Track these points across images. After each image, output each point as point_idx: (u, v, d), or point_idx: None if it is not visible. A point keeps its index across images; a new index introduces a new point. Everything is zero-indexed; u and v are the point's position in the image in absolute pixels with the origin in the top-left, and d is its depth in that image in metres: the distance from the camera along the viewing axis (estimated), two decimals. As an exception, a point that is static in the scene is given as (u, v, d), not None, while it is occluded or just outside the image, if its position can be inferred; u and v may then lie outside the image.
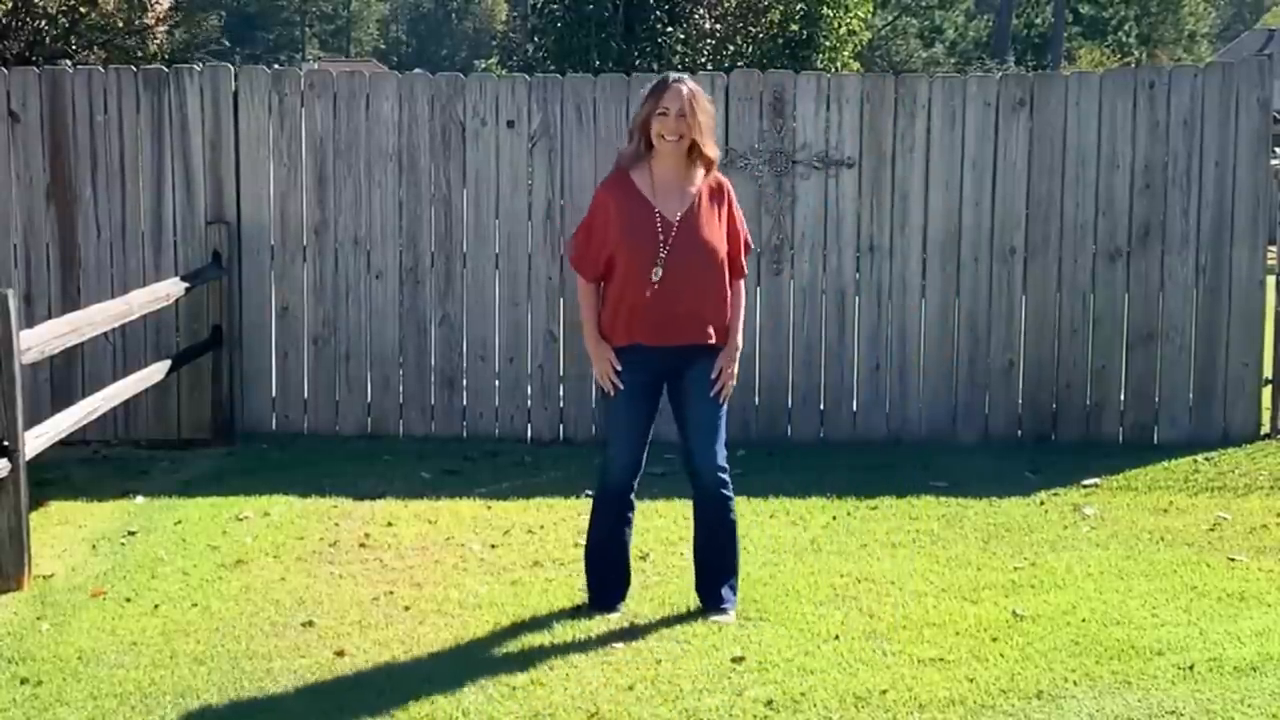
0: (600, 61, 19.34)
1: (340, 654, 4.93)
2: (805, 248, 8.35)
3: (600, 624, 5.23)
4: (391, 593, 5.61)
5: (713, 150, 5.12)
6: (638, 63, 19.32)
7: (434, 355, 8.51)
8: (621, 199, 5.09)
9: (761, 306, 8.34)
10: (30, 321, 7.44)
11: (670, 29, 20.72)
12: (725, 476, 5.21)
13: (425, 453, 8.12)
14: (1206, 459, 7.92)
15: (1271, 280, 8.63)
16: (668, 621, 5.24)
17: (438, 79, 8.51)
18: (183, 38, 20.93)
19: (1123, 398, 8.39)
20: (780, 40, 21.70)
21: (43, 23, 16.83)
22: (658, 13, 20.60)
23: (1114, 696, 4.53)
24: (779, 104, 8.31)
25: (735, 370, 5.21)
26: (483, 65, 41.09)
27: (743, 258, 5.26)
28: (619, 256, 5.07)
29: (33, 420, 6.17)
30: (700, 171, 5.12)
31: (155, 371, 7.65)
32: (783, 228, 8.36)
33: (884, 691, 4.56)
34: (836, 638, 5.06)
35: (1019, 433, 8.42)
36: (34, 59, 15.51)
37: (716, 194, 5.16)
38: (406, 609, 5.41)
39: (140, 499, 7.14)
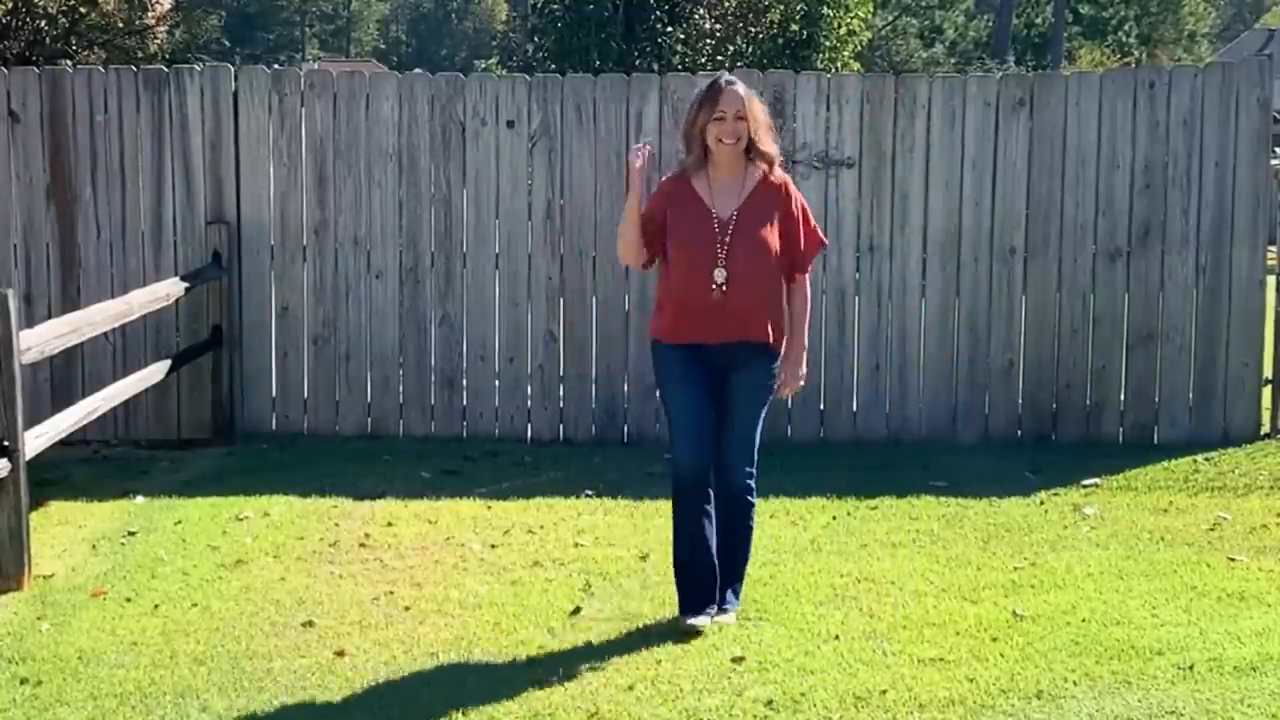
0: (600, 61, 19.34)
1: (340, 654, 4.93)
2: (805, 248, 8.35)
3: (600, 624, 5.23)
4: (391, 593, 5.61)
5: (770, 147, 5.07)
6: (638, 63, 19.32)
7: (434, 355, 8.51)
8: (680, 196, 5.08)
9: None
10: (30, 321, 7.44)
11: (670, 29, 20.72)
12: (752, 483, 5.18)
13: (425, 453, 8.12)
14: (1206, 459, 7.92)
15: (1271, 280, 8.63)
16: (668, 621, 5.24)
17: (438, 79, 8.51)
18: (183, 38, 20.92)
19: (1123, 398, 8.39)
20: (780, 40, 21.70)
21: (43, 23, 16.83)
22: (658, 13, 20.60)
23: (1114, 696, 4.53)
24: (779, 104, 8.31)
25: (804, 371, 5.20)
26: (483, 65, 41.09)
27: (804, 255, 5.17)
28: (675, 255, 5.05)
29: (33, 420, 6.17)
30: (759, 171, 5.08)
31: (155, 371, 7.65)
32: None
33: (884, 691, 4.56)
34: (836, 638, 5.06)
35: (1019, 433, 8.42)
36: (34, 59, 15.51)
37: (774, 191, 5.10)
38: (406, 609, 5.42)
39: (140, 499, 7.14)
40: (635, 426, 8.45)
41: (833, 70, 20.54)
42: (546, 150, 8.42)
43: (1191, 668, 4.75)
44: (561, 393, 8.50)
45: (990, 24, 46.21)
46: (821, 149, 8.34)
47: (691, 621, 5.05)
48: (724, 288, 4.97)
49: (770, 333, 5.06)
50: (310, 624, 5.24)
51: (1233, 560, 6.04)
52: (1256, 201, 8.28)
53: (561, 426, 8.50)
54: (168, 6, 20.46)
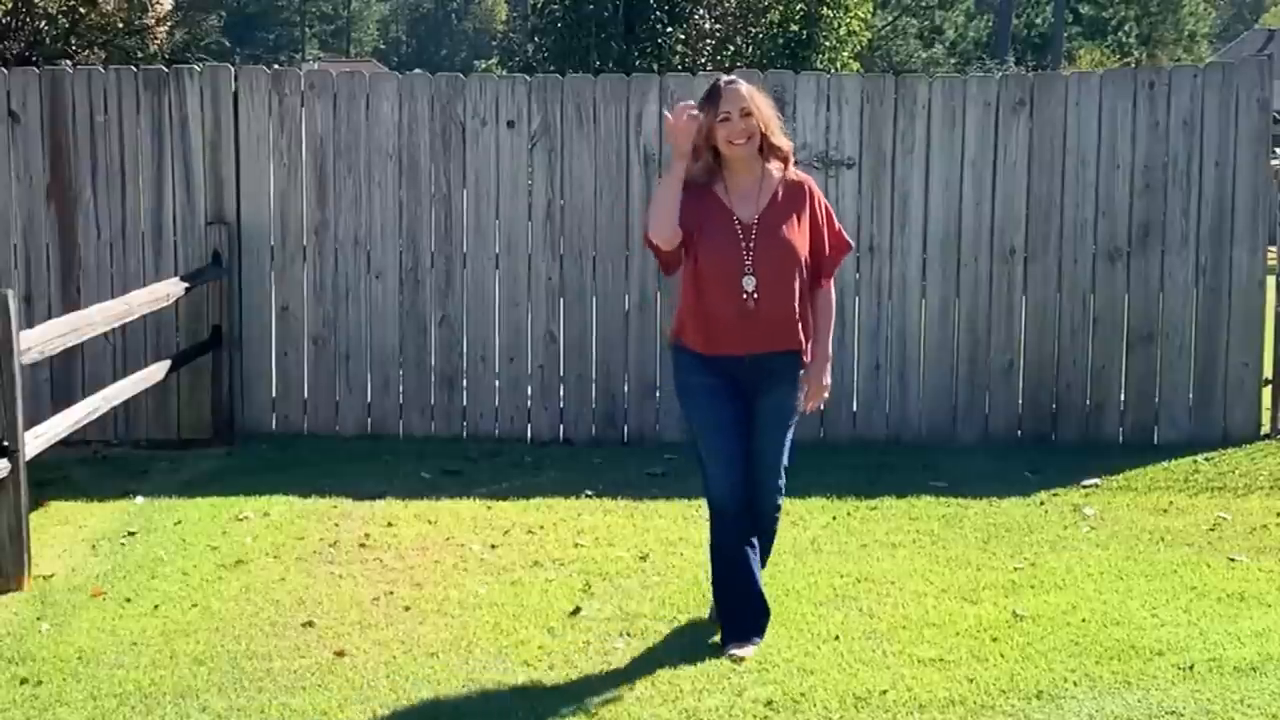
0: (600, 61, 19.34)
1: (340, 654, 4.93)
2: (805, 248, 8.34)
3: (600, 624, 5.23)
4: (391, 593, 5.61)
5: (783, 141, 4.86)
6: (638, 63, 19.32)
7: (434, 355, 8.51)
8: (701, 207, 4.80)
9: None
10: (30, 321, 7.44)
11: (670, 29, 20.72)
12: (780, 500, 5.05)
13: (425, 453, 8.12)
14: (1206, 459, 7.92)
15: (1271, 280, 8.62)
16: (668, 621, 5.25)
17: (438, 79, 8.51)
18: (183, 38, 20.94)
19: (1123, 398, 8.39)
20: (780, 40, 21.70)
21: (43, 23, 16.85)
22: (658, 13, 20.60)
23: (1114, 696, 4.53)
24: (779, 104, 8.26)
25: (829, 381, 5.01)
26: (483, 65, 41.08)
27: (828, 258, 4.96)
28: (701, 265, 4.79)
29: (33, 420, 6.17)
30: (775, 169, 4.87)
31: (155, 372, 7.65)
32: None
33: (884, 691, 4.56)
34: (836, 638, 5.06)
35: (1019, 433, 8.42)
36: (34, 59, 15.52)
37: (796, 192, 4.88)
38: (406, 609, 5.42)
39: (140, 499, 7.14)
40: (635, 427, 8.45)
41: (833, 70, 20.54)
42: (546, 150, 8.42)
43: (1191, 668, 4.75)
44: (561, 393, 8.50)
45: (990, 24, 46.19)
46: (821, 149, 8.33)
47: (736, 651, 4.84)
48: (754, 296, 4.74)
49: (802, 340, 4.86)
50: (310, 624, 5.24)
51: (1233, 560, 6.04)
52: (1256, 202, 8.28)
53: (561, 426, 8.50)
54: (168, 6, 20.47)
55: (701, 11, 21.25)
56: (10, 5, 16.29)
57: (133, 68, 8.63)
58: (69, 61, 13.83)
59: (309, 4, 74.58)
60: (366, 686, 4.65)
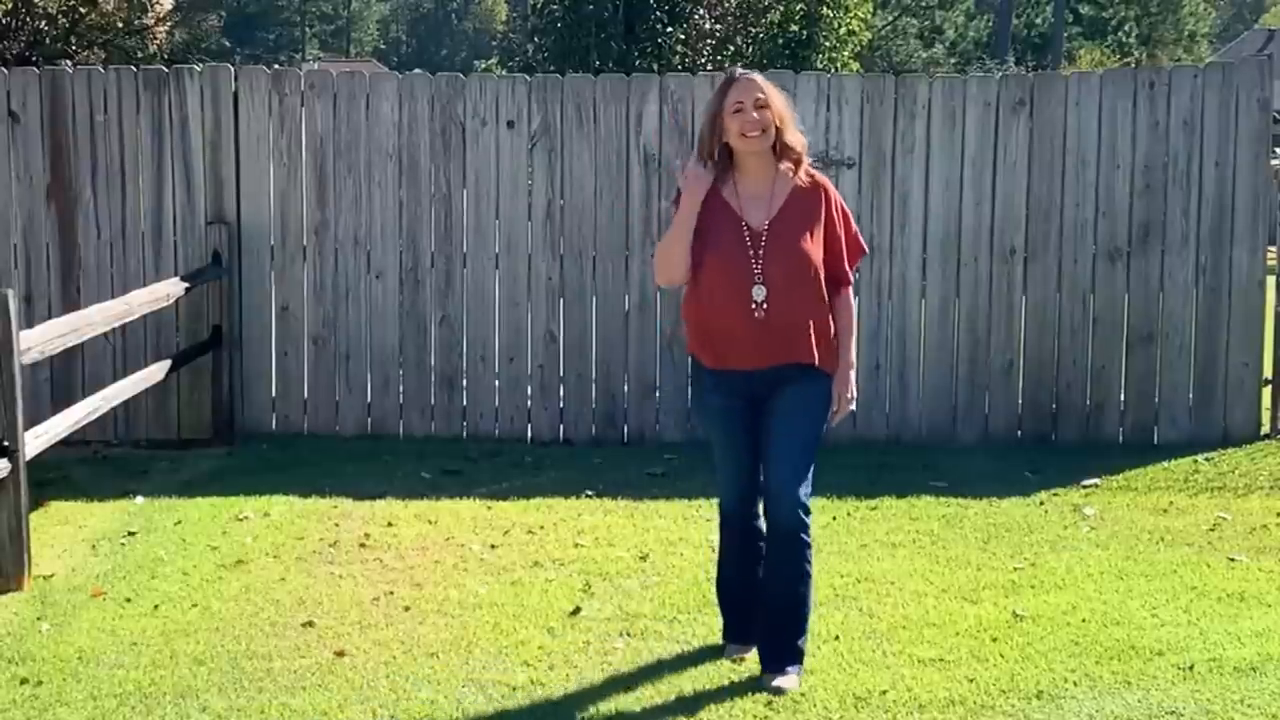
0: (600, 61, 19.34)
1: (340, 654, 4.93)
2: (805, 248, 8.34)
3: (600, 624, 5.23)
4: (391, 593, 5.61)
5: (796, 139, 4.57)
6: (638, 63, 19.32)
7: (434, 355, 8.51)
8: (706, 209, 4.57)
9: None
10: (30, 321, 7.44)
11: (670, 29, 20.72)
12: (806, 518, 4.59)
13: (425, 453, 8.12)
14: (1206, 459, 7.92)
15: (1271, 280, 8.63)
16: (668, 621, 5.25)
17: (438, 79, 8.51)
18: (183, 38, 20.95)
19: (1123, 398, 8.39)
20: (780, 40, 21.70)
21: (43, 23, 16.85)
22: (658, 13, 20.60)
23: (1114, 696, 4.53)
24: (779, 104, 8.29)
25: (854, 392, 4.70)
26: (483, 65, 41.08)
27: (847, 263, 4.68)
28: (707, 274, 4.55)
29: (33, 420, 6.17)
30: (788, 170, 4.59)
31: (155, 372, 7.65)
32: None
33: (884, 691, 4.56)
34: (836, 638, 5.06)
35: (1019, 433, 8.42)
36: (34, 59, 15.52)
37: (810, 194, 4.59)
38: (406, 609, 5.41)
39: (140, 499, 7.14)
40: (635, 427, 8.45)
41: (833, 70, 20.54)
42: (546, 150, 8.42)
43: (1191, 668, 4.75)
44: (561, 393, 8.50)
45: (990, 24, 46.18)
46: (821, 149, 8.32)
47: (733, 650, 4.80)
48: (764, 306, 4.48)
49: (817, 352, 4.57)
50: (310, 624, 5.24)
51: (1233, 560, 6.04)
52: (1256, 202, 8.28)
53: (561, 426, 8.50)
54: (168, 6, 20.48)
55: (701, 11, 21.25)
56: (10, 5, 16.29)
57: (133, 68, 8.63)
58: (69, 61, 13.84)
59: (309, 4, 74.57)
60: (366, 686, 4.65)
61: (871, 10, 25.48)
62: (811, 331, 4.56)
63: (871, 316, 8.40)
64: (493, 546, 6.29)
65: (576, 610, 5.38)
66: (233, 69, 8.59)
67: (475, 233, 8.47)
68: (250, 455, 8.11)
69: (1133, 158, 8.29)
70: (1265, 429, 8.33)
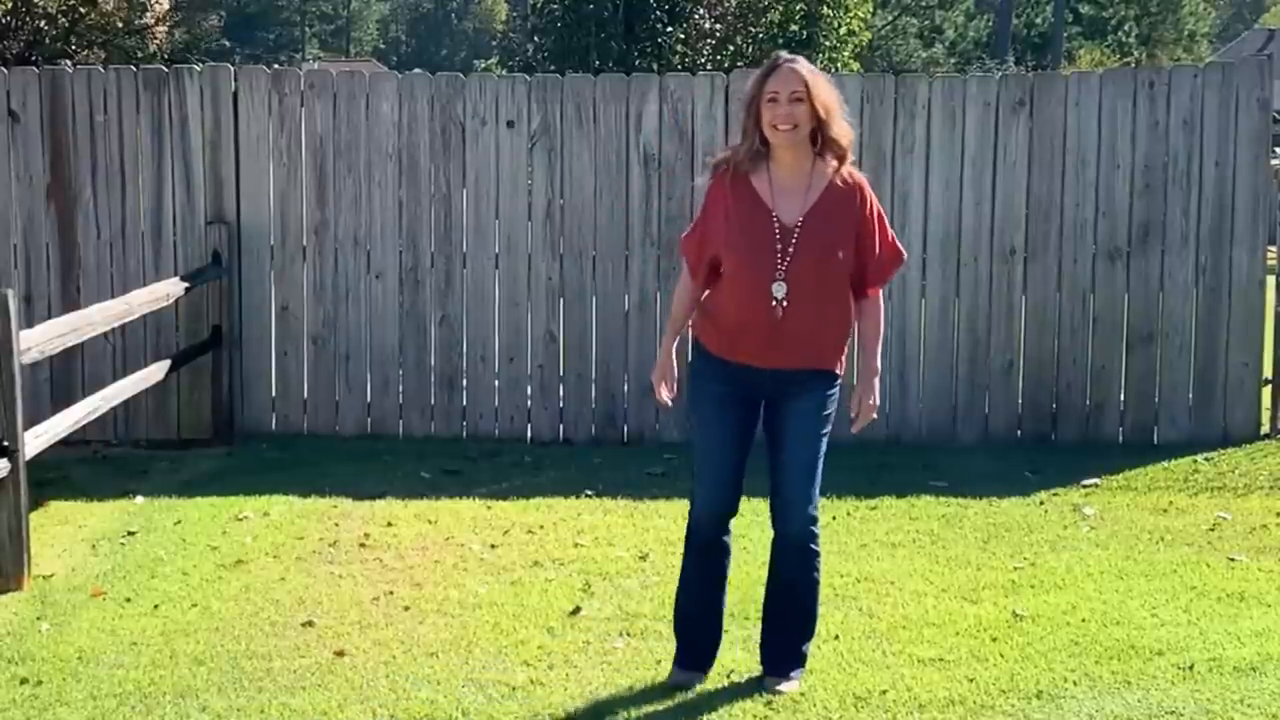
0: (600, 61, 19.33)
1: (340, 654, 4.93)
2: (805, 248, 8.33)
3: (600, 624, 5.23)
4: (391, 593, 5.61)
5: (842, 132, 4.37)
6: (638, 63, 19.31)
7: (434, 355, 8.51)
8: (736, 200, 4.41)
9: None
10: (30, 321, 7.44)
11: (670, 29, 20.71)
12: (816, 528, 4.53)
13: (425, 453, 8.12)
14: (1206, 459, 7.92)
15: (1271, 280, 8.63)
16: (667, 621, 5.23)
17: (438, 79, 8.51)
18: (183, 38, 20.94)
19: (1123, 398, 8.39)
20: (780, 40, 21.67)
21: (43, 23, 16.85)
22: (658, 13, 20.59)
23: (1114, 696, 4.53)
24: (779, 104, 8.29)
25: (876, 400, 4.56)
26: (483, 65, 41.06)
27: (877, 267, 4.51)
28: (730, 266, 4.42)
29: (33, 420, 6.17)
30: (830, 166, 4.41)
31: (155, 371, 7.65)
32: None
33: (884, 691, 4.56)
34: (836, 638, 5.06)
35: (1019, 433, 8.42)
36: (34, 59, 15.52)
37: (846, 194, 4.41)
38: (406, 609, 5.41)
39: (140, 499, 7.14)
40: (635, 427, 8.45)
41: (833, 70, 20.54)
42: (546, 150, 8.42)
43: (1191, 668, 4.75)
44: (561, 393, 8.50)
45: (990, 24, 46.17)
46: (821, 149, 8.32)
47: (681, 677, 4.61)
48: (784, 304, 4.32)
49: (834, 359, 4.44)
50: (310, 624, 5.24)
51: (1233, 560, 6.04)
52: (1256, 202, 8.28)
53: (561, 426, 8.50)
54: (168, 6, 20.48)
55: (701, 11, 21.24)
56: (10, 5, 16.29)
57: (133, 68, 8.63)
58: (69, 61, 13.84)
59: (309, 4, 74.57)
60: (366, 686, 4.65)
61: (871, 10, 25.49)
62: (831, 336, 4.44)
63: (871, 316, 8.39)
64: (493, 546, 6.29)
65: (576, 610, 5.38)
66: (233, 69, 8.59)
67: (475, 233, 8.47)
68: (250, 455, 8.11)
69: (1133, 157, 8.29)
70: (1265, 429, 8.33)
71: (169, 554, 6.15)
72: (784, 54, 4.49)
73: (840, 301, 4.45)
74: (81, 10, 17.08)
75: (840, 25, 22.29)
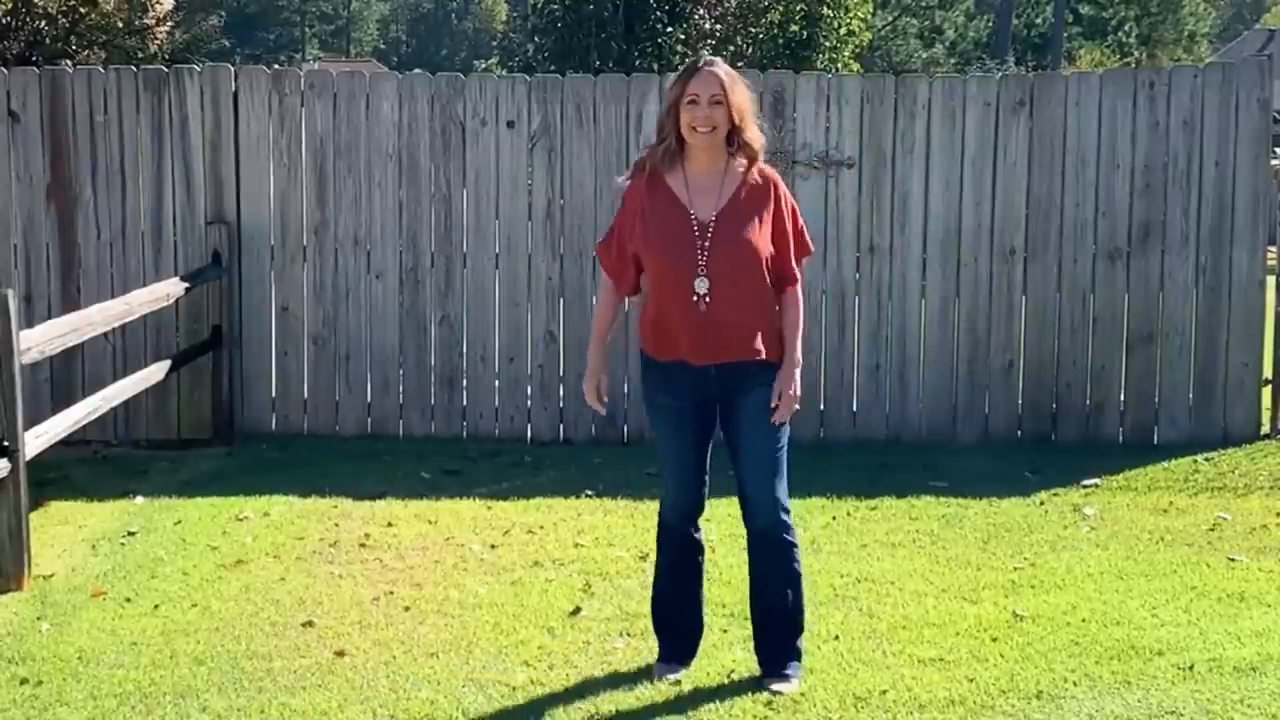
0: (600, 61, 19.33)
1: (340, 654, 4.93)
2: (805, 248, 8.33)
3: (600, 624, 5.23)
4: (391, 593, 5.61)
5: (755, 135, 4.47)
6: (638, 63, 19.31)
7: (434, 355, 8.51)
8: (652, 199, 4.50)
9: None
10: (30, 321, 7.44)
11: (670, 29, 20.70)
12: (787, 518, 4.53)
13: (425, 453, 8.12)
14: (1206, 459, 7.92)
15: (1271, 280, 8.63)
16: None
17: (438, 79, 8.51)
18: (183, 38, 20.94)
19: (1123, 398, 8.39)
20: (780, 40, 21.70)
21: (43, 23, 16.84)
22: (658, 13, 20.59)
23: (1114, 696, 4.53)
24: (779, 104, 8.31)
25: (798, 391, 4.55)
26: (483, 65, 41.06)
27: (794, 261, 4.58)
28: (651, 265, 4.50)
29: (33, 420, 6.17)
30: (741, 164, 4.50)
31: (155, 371, 7.65)
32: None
33: (884, 691, 4.56)
34: (836, 638, 5.06)
35: (1019, 433, 8.42)
36: (34, 59, 15.52)
37: (760, 190, 4.50)
38: (406, 609, 5.41)
39: (140, 499, 7.14)
40: (635, 427, 8.44)
41: (833, 70, 20.54)
42: (546, 150, 8.42)
43: (1191, 668, 4.75)
44: (561, 393, 8.50)
45: (990, 24, 46.16)
46: (821, 149, 8.33)
47: (667, 675, 4.65)
48: (707, 299, 4.40)
49: (768, 348, 4.50)
50: (310, 624, 5.24)
51: (1233, 560, 6.04)
52: (1256, 202, 8.28)
53: (561, 426, 8.50)
54: (168, 6, 20.47)
55: (701, 11, 21.24)
56: (10, 5, 16.29)
57: (133, 68, 8.64)
58: (69, 61, 13.84)
59: (309, 4, 74.58)
60: (366, 686, 4.65)
61: (871, 10, 25.48)
62: (759, 327, 4.49)
63: (871, 316, 8.40)
64: (493, 546, 6.29)
65: (576, 610, 5.38)
66: (233, 69, 8.59)
67: (475, 233, 8.47)
68: (250, 455, 8.11)
69: (1133, 158, 8.29)
70: (1265, 429, 8.33)
71: (169, 554, 6.15)
72: (705, 56, 4.63)
73: (762, 293, 4.51)
74: (82, 10, 17.07)
75: (840, 25, 22.28)
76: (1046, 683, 4.64)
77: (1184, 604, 5.44)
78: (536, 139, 8.42)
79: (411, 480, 7.52)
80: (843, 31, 22.41)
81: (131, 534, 6.50)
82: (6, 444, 5.65)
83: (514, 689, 4.61)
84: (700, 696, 4.53)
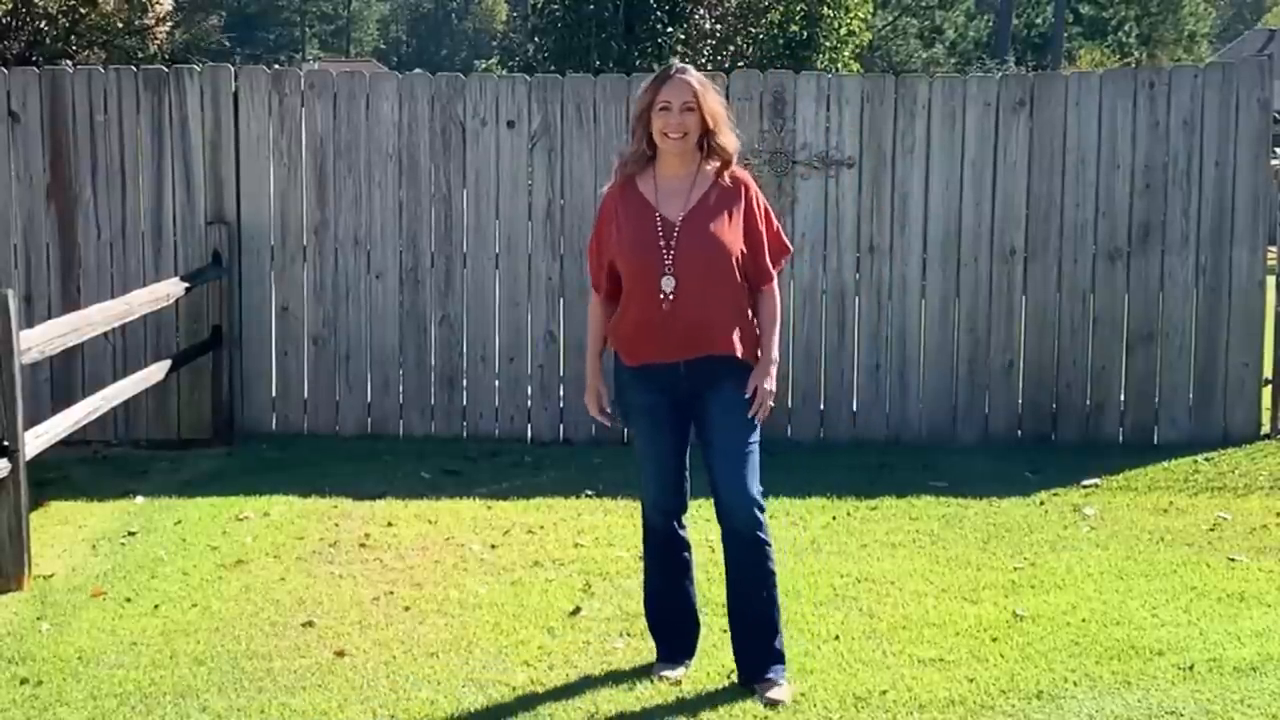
0: (600, 61, 19.33)
1: (340, 654, 4.93)
2: (805, 248, 8.35)
3: (600, 624, 5.23)
4: (391, 593, 5.61)
5: (728, 140, 4.51)
6: (638, 63, 19.30)
7: (434, 355, 8.51)
8: (625, 204, 4.56)
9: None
10: (30, 321, 7.44)
11: (670, 29, 20.71)
12: (761, 516, 4.50)
13: (425, 453, 8.12)
14: (1206, 459, 7.92)
15: (1271, 280, 8.63)
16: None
17: (438, 79, 8.51)
18: (183, 38, 20.94)
19: (1123, 398, 8.39)
20: (780, 40, 21.70)
21: (43, 23, 16.83)
22: (658, 13, 20.59)
23: (1114, 696, 4.53)
24: (779, 104, 8.31)
25: (773, 388, 4.54)
26: (483, 65, 41.07)
27: (768, 259, 4.59)
28: (622, 267, 4.53)
29: (33, 420, 6.17)
30: (713, 167, 4.54)
31: (155, 371, 7.65)
32: (783, 228, 8.34)
33: (884, 691, 4.56)
34: (836, 638, 5.06)
35: (1019, 433, 8.42)
36: (34, 59, 15.52)
37: (731, 191, 4.53)
38: (406, 609, 5.42)
39: (140, 499, 7.14)
40: (635, 426, 8.44)
41: (833, 70, 20.54)
42: (546, 150, 8.42)
43: (1191, 668, 4.75)
44: (561, 393, 8.50)
45: (990, 24, 46.16)
46: (821, 149, 8.33)
47: (666, 673, 4.66)
48: (672, 298, 4.42)
49: (738, 345, 4.50)
50: (310, 624, 5.24)
51: (1233, 560, 6.04)
52: (1256, 202, 8.28)
53: (561, 426, 8.50)
54: (168, 7, 20.47)
55: (701, 11, 21.24)
56: (10, 5, 16.29)
57: (133, 68, 8.63)
58: (69, 61, 13.84)
59: (309, 4, 74.57)
60: (366, 686, 4.65)
61: (872, 10, 25.47)
62: (728, 324, 4.50)
63: (871, 317, 8.40)
64: (493, 546, 6.29)
65: (576, 610, 5.38)
66: (233, 69, 8.59)
67: (475, 233, 8.47)
68: (250, 455, 8.11)
69: (1133, 158, 8.30)
70: (1265, 429, 8.33)
71: (169, 554, 6.16)
72: (676, 63, 4.63)
73: (732, 292, 4.51)
74: (82, 10, 17.07)
75: (840, 25, 22.28)
76: (1046, 683, 4.64)
77: (1184, 604, 5.45)
78: (536, 139, 8.42)
79: (411, 480, 7.52)
80: (843, 31, 22.40)
81: (131, 534, 6.50)
82: (6, 444, 5.65)
83: (514, 689, 4.61)
84: (700, 696, 4.53)
